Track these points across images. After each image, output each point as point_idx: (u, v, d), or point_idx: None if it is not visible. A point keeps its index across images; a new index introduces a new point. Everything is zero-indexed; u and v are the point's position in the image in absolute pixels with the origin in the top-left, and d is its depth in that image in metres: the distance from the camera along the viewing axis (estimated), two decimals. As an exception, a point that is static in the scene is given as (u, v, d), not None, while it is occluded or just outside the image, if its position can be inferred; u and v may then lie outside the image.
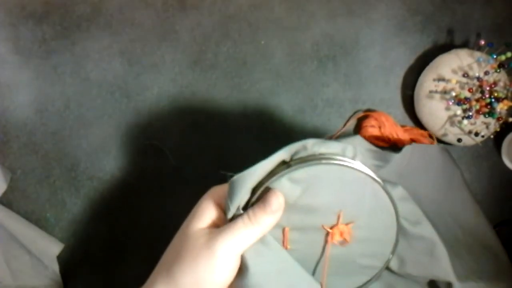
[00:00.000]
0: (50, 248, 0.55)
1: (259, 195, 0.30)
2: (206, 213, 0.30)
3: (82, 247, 0.57)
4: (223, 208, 0.31)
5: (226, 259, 0.28)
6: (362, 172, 0.30)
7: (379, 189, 0.31)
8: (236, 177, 0.29)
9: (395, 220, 0.33)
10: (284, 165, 0.30)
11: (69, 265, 0.56)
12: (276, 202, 0.29)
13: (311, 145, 0.30)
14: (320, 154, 0.30)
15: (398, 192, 0.34)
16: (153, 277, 0.31)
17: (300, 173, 0.29)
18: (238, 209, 0.30)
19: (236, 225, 0.28)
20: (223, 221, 0.30)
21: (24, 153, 0.57)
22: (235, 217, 0.30)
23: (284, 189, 0.30)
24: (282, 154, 0.30)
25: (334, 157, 0.30)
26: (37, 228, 0.56)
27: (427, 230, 0.35)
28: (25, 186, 0.57)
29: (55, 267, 0.55)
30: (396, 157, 0.36)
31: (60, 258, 0.56)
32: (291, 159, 0.30)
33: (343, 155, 0.30)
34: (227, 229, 0.28)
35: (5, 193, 0.56)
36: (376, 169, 0.33)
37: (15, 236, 0.54)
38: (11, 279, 0.52)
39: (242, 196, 0.29)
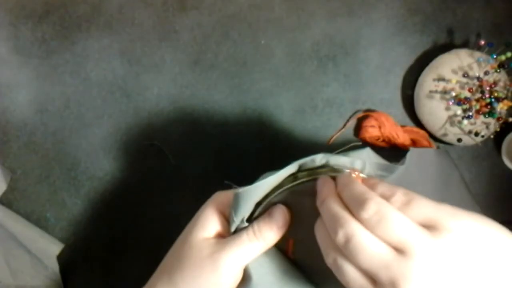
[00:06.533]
0: (50, 248, 0.55)
1: (264, 207, 0.30)
2: (209, 221, 0.30)
3: (82, 247, 0.57)
4: (226, 217, 0.30)
5: (230, 272, 0.28)
6: None
7: None
8: (242, 191, 0.28)
9: None
10: (291, 176, 0.30)
11: (69, 265, 0.56)
12: (282, 218, 0.29)
13: (320, 159, 0.30)
14: (328, 166, 0.30)
15: None
16: (153, 281, 0.30)
17: (306, 186, 0.29)
18: (242, 221, 0.29)
19: (241, 239, 0.28)
20: (226, 230, 0.30)
21: (24, 153, 0.57)
22: (238, 229, 0.29)
23: (289, 202, 0.29)
24: (291, 169, 0.30)
25: (341, 169, 0.30)
26: (37, 228, 0.56)
27: None
28: (25, 186, 0.57)
29: (55, 267, 0.55)
30: (400, 169, 0.36)
31: (60, 258, 0.56)
32: (298, 171, 0.30)
33: (351, 168, 0.30)
34: (232, 242, 0.28)
35: (5, 193, 0.56)
36: (380, 178, 0.34)
37: (15, 236, 0.54)
38: (11, 279, 0.52)
39: (247, 209, 0.29)
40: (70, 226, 0.57)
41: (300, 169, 0.30)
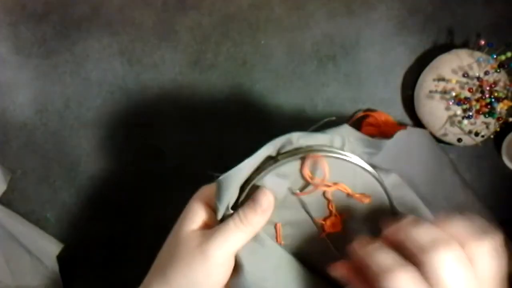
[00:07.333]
0: (50, 248, 0.55)
1: (248, 192, 0.30)
2: (196, 214, 0.31)
3: (82, 247, 0.57)
4: (213, 208, 0.31)
5: (220, 261, 0.28)
6: (351, 162, 0.30)
7: (370, 178, 0.31)
8: (223, 177, 0.29)
9: (389, 208, 0.32)
10: (271, 160, 0.30)
11: (69, 265, 0.56)
12: (266, 201, 0.29)
13: (297, 138, 0.30)
14: (307, 146, 0.30)
15: (391, 179, 0.33)
16: (148, 279, 0.31)
17: (288, 167, 0.29)
18: (227, 208, 0.29)
19: (227, 227, 0.29)
20: (214, 221, 0.30)
21: (24, 153, 0.57)
22: (225, 217, 0.30)
23: (273, 185, 0.29)
24: (267, 150, 0.30)
25: (321, 148, 0.30)
26: (37, 228, 0.56)
27: (425, 216, 0.35)
28: (25, 186, 0.57)
29: (55, 267, 0.55)
30: (388, 143, 0.35)
31: (60, 258, 0.56)
32: (278, 154, 0.30)
33: (331, 146, 0.30)
34: (219, 231, 0.28)
35: (5, 193, 0.56)
36: (368, 156, 0.33)
37: (15, 236, 0.54)
38: (11, 279, 0.52)
39: (231, 195, 0.29)
40: (70, 226, 0.57)
41: (279, 152, 0.30)
